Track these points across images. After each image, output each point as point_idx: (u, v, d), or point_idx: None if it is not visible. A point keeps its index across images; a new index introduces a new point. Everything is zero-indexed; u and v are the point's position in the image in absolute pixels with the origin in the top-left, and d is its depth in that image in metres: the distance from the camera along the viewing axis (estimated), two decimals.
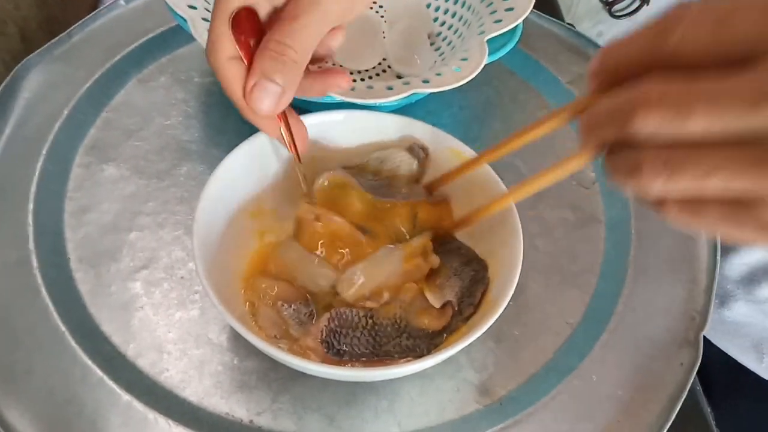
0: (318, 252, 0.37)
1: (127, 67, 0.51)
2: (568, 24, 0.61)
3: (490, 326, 0.32)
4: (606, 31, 0.90)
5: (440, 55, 0.52)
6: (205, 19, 0.43)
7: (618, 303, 0.42)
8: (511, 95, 0.54)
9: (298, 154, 0.36)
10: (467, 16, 0.52)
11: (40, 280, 0.39)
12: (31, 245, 0.40)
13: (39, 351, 0.37)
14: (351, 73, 0.53)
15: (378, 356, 0.33)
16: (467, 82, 0.42)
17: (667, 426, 0.37)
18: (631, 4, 0.86)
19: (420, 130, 0.40)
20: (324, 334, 0.33)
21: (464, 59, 0.44)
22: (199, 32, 0.41)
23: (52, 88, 0.48)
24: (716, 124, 0.20)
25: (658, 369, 0.39)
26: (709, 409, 0.41)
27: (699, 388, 0.42)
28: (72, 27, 0.52)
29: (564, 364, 0.39)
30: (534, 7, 0.48)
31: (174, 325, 0.38)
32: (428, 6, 0.56)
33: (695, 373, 0.39)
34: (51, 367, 0.36)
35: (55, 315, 0.38)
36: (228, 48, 0.31)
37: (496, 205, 0.35)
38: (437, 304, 0.35)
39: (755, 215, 0.22)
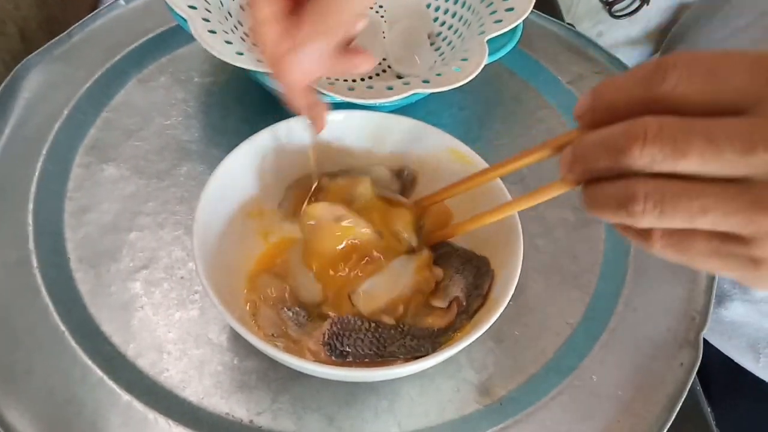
0: (340, 247, 0.36)
1: (127, 67, 0.51)
2: (568, 24, 0.61)
3: (491, 326, 0.32)
4: (606, 31, 0.90)
5: (440, 55, 0.52)
6: (205, 19, 0.43)
7: (618, 303, 0.42)
8: (511, 95, 0.54)
9: (317, 129, 0.36)
10: (467, 16, 0.52)
11: (40, 280, 0.39)
12: (31, 245, 0.40)
13: (39, 351, 0.37)
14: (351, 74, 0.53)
15: (382, 357, 0.33)
16: (467, 82, 0.42)
17: (667, 426, 0.37)
18: (631, 4, 0.87)
19: (420, 130, 0.40)
20: (326, 337, 0.33)
21: (464, 59, 0.44)
22: (199, 32, 0.41)
23: (52, 88, 0.48)
24: (712, 162, 0.21)
25: (658, 369, 0.39)
26: (709, 409, 0.41)
27: (699, 388, 0.42)
28: (72, 27, 0.52)
29: (564, 364, 0.39)
30: (534, 7, 0.48)
31: (174, 325, 0.38)
32: (428, 6, 0.56)
33: (695, 373, 0.39)
34: (51, 367, 0.36)
35: (55, 315, 0.38)
36: (268, 6, 0.30)
37: (469, 225, 0.36)
38: (444, 305, 0.35)
39: (744, 252, 0.22)
